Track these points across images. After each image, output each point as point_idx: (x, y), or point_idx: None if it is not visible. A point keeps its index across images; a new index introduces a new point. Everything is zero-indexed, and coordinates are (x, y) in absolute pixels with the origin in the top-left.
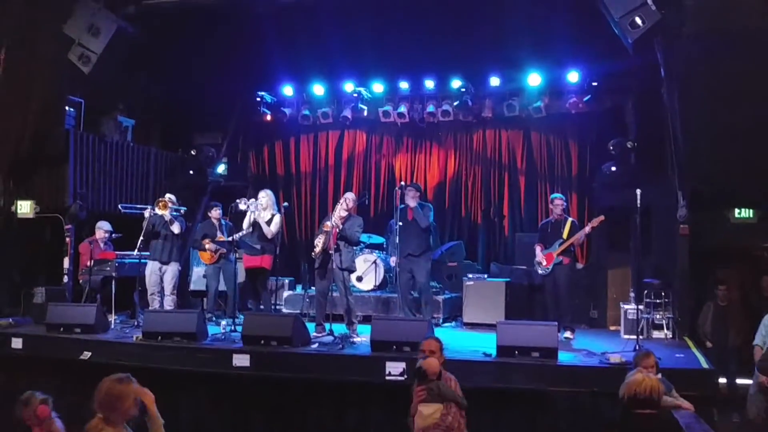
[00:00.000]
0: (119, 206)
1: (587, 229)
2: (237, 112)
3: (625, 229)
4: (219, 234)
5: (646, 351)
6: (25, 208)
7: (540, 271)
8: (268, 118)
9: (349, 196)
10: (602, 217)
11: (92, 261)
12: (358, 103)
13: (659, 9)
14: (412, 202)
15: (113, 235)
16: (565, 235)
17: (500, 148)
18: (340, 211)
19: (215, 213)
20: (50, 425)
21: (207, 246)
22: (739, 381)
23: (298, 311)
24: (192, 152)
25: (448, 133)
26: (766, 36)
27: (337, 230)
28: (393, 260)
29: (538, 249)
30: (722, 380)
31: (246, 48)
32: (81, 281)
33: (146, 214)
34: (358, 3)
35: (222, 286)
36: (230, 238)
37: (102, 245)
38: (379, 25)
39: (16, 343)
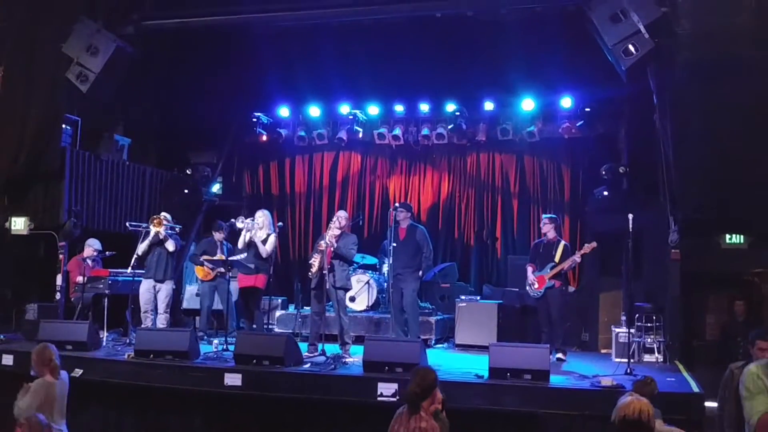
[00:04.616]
0: (127, 224)
1: (577, 255)
2: (233, 132)
3: (617, 254)
4: (219, 253)
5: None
6: (18, 224)
7: (532, 294)
8: (264, 138)
9: (342, 214)
10: (594, 244)
11: (85, 278)
12: (354, 125)
13: (652, 37)
14: (403, 222)
15: (106, 253)
16: (557, 259)
17: (494, 171)
18: (333, 230)
19: (219, 235)
20: None
21: (206, 263)
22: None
23: (291, 331)
24: (187, 171)
25: (442, 156)
26: (758, 64)
27: (332, 249)
28: None
29: (529, 269)
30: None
31: (243, 69)
32: (73, 298)
33: (151, 232)
34: (355, 27)
35: (216, 305)
36: (226, 258)
37: (90, 263)
38: (375, 49)
39: (7, 359)
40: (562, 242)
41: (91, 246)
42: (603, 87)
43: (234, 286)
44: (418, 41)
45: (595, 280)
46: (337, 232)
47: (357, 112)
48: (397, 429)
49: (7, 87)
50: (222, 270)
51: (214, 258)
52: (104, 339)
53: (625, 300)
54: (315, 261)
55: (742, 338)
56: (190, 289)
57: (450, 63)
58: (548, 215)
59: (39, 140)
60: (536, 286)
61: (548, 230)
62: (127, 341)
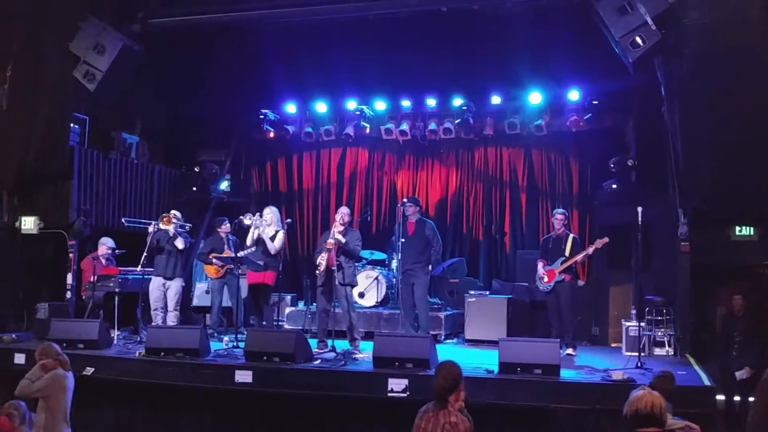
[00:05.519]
0: (123, 220)
1: (590, 250)
2: (240, 130)
3: (627, 247)
4: (226, 249)
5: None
6: (28, 224)
7: (542, 288)
8: (271, 135)
9: (344, 210)
10: (606, 239)
11: (95, 277)
12: (361, 120)
13: (659, 29)
14: (412, 217)
15: (116, 251)
16: (567, 252)
17: (501, 165)
18: (337, 226)
19: (224, 228)
20: None
21: (214, 260)
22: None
23: (301, 327)
24: (196, 169)
25: (449, 151)
26: (765, 55)
27: (339, 246)
28: None
29: (540, 264)
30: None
31: (250, 66)
32: (84, 297)
33: (150, 229)
34: (361, 22)
35: (225, 302)
36: (236, 254)
37: (104, 261)
38: (381, 44)
39: (19, 358)
40: (572, 236)
41: (105, 244)
42: (610, 80)
43: (243, 283)
44: (424, 36)
45: (604, 273)
46: (342, 228)
47: (364, 107)
48: (424, 427)
49: (14, 86)
50: (231, 266)
51: (223, 255)
52: (115, 337)
53: (635, 293)
54: (322, 260)
55: (739, 333)
56: (200, 287)
57: (456, 57)
58: (561, 210)
59: (47, 139)
60: (546, 279)
61: (560, 225)
62: (138, 339)
